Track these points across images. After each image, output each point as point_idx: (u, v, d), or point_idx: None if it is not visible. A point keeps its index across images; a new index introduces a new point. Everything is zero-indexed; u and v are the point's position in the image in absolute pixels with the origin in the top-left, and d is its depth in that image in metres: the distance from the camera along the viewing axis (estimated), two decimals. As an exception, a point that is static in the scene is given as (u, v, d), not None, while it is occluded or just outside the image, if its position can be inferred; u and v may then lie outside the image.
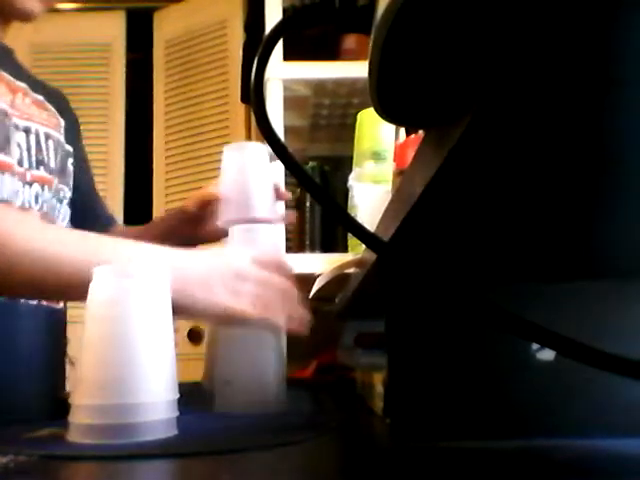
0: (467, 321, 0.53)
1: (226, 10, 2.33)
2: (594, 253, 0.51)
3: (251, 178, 0.84)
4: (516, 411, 0.52)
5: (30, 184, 0.88)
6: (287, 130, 1.57)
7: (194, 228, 0.99)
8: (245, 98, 2.04)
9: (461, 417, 0.52)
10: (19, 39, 0.99)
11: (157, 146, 2.40)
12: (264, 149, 0.87)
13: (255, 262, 0.67)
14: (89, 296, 0.54)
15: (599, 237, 0.46)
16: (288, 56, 1.49)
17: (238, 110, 2.23)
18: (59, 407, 0.71)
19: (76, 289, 0.56)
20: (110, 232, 1.06)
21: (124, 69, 2.46)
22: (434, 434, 0.52)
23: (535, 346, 0.53)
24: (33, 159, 0.89)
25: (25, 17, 0.92)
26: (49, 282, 0.61)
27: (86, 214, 1.04)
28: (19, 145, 0.88)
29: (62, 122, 1.01)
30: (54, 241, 0.62)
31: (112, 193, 2.31)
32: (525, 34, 0.21)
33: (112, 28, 2.47)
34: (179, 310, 0.59)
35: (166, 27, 2.46)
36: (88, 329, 0.53)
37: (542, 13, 0.20)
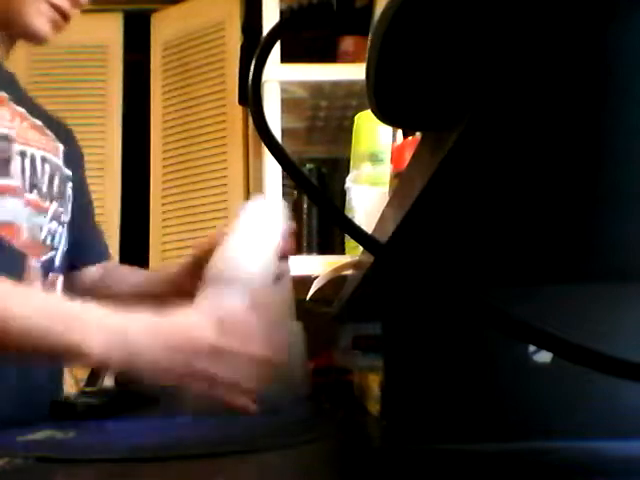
0: (464, 323, 0.53)
1: (224, 12, 2.33)
2: (591, 255, 0.51)
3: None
4: (513, 413, 0.52)
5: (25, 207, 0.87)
6: (284, 132, 1.57)
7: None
8: (243, 100, 2.05)
9: (458, 419, 0.52)
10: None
11: (154, 148, 2.40)
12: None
13: (221, 330, 0.66)
14: None
15: (595, 240, 0.46)
16: (286, 58, 1.49)
17: (236, 112, 2.23)
18: (57, 409, 0.71)
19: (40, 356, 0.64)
20: (104, 270, 1.07)
21: (121, 71, 2.46)
22: (431, 436, 0.52)
23: (532, 348, 0.53)
24: (27, 182, 0.88)
25: (37, 40, 0.91)
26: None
27: (80, 247, 1.03)
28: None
29: (61, 147, 1.00)
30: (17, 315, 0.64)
31: (109, 195, 2.31)
32: (522, 39, 0.21)
33: (109, 30, 2.47)
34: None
35: (164, 29, 2.46)
36: None
37: (539, 17, 0.20)
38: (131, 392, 0.85)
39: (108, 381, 1.03)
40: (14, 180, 0.85)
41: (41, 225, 0.90)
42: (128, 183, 2.40)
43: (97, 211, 2.15)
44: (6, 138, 0.86)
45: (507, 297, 0.53)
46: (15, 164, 0.87)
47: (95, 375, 1.23)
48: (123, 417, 0.72)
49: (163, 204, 2.33)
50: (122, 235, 2.31)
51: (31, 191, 0.89)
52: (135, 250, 2.26)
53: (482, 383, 0.52)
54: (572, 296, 0.53)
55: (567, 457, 0.47)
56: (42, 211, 0.91)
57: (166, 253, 2.28)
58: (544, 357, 0.52)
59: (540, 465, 0.45)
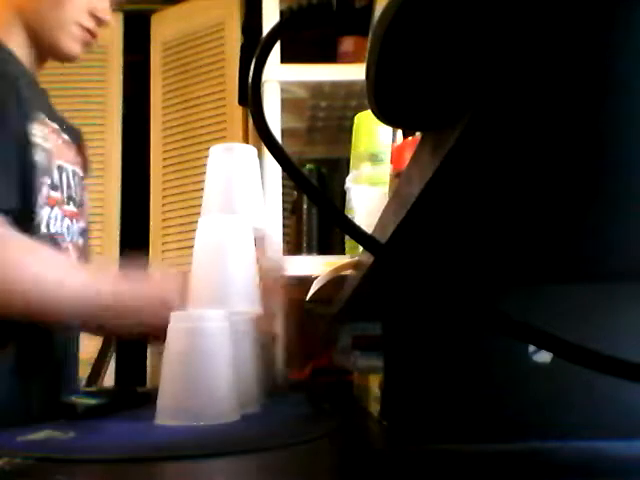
0: (464, 324, 0.53)
1: (223, 12, 2.33)
2: (591, 255, 0.51)
3: (236, 180, 0.85)
4: (512, 414, 0.52)
5: (63, 218, 0.97)
6: (284, 132, 1.57)
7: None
8: (242, 100, 2.05)
9: (458, 420, 0.52)
10: (16, 40, 0.99)
11: (154, 148, 2.40)
12: (253, 151, 0.88)
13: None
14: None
15: (596, 240, 0.46)
16: (285, 58, 1.49)
17: (235, 112, 2.23)
18: (57, 409, 0.71)
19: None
20: None
21: (121, 71, 2.46)
22: (431, 437, 0.52)
23: (532, 348, 0.53)
24: (65, 195, 0.98)
25: (68, 59, 1.01)
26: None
27: None
28: None
29: (80, 159, 1.08)
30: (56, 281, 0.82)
31: (109, 195, 2.31)
32: (523, 38, 0.21)
33: (109, 30, 2.46)
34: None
35: (163, 29, 2.46)
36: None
37: (540, 16, 0.20)
38: (131, 392, 0.85)
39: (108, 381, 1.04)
40: (58, 193, 0.96)
41: (76, 232, 1.01)
42: (128, 183, 2.39)
43: (97, 211, 2.15)
44: (51, 152, 0.95)
45: (507, 297, 0.53)
46: (56, 177, 0.96)
47: (95, 375, 1.23)
48: (123, 417, 0.72)
49: (163, 204, 2.33)
50: (122, 235, 2.31)
51: (68, 203, 0.99)
52: (135, 250, 2.26)
53: (482, 383, 0.52)
54: (572, 296, 0.53)
55: (567, 457, 0.47)
56: (77, 220, 1.02)
57: (166, 253, 2.28)
58: (544, 357, 0.52)
59: (540, 465, 0.45)
